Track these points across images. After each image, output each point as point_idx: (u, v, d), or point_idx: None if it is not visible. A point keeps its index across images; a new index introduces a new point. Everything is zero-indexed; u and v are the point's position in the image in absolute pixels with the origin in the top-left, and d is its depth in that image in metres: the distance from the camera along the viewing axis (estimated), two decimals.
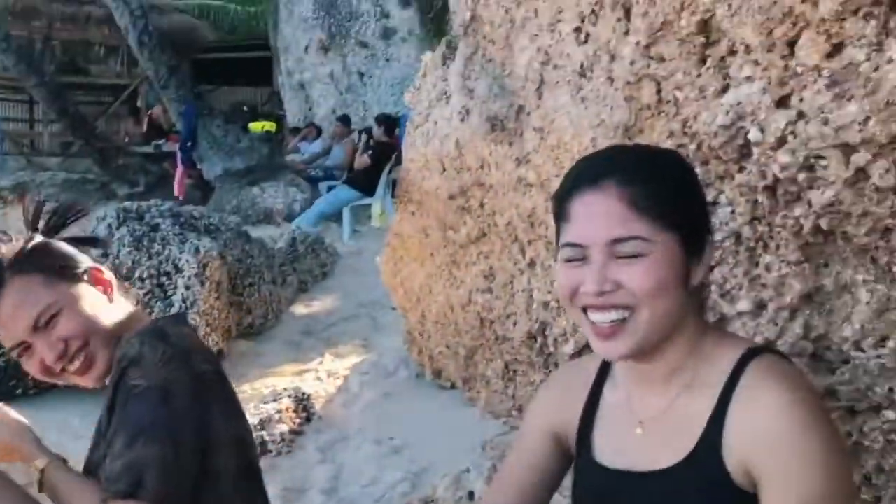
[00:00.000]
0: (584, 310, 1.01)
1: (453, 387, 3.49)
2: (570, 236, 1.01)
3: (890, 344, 1.51)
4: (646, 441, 1.06)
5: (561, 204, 1.05)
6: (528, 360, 2.56)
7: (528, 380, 2.68)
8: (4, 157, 12.86)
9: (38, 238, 1.43)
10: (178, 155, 10.06)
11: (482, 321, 2.79)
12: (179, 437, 1.23)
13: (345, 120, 10.62)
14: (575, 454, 1.17)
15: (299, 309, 5.48)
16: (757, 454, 0.94)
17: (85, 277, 1.42)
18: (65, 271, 1.40)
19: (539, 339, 2.42)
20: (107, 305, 1.42)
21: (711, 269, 1.12)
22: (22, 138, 15.21)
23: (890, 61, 1.30)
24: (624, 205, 0.97)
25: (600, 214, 0.98)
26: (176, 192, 9.66)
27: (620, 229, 0.96)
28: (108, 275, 1.46)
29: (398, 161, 8.46)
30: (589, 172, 1.02)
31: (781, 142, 1.49)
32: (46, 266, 1.38)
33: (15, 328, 1.35)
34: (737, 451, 0.96)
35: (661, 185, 1.00)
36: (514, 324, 2.55)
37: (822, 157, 1.44)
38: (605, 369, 1.17)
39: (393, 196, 8.75)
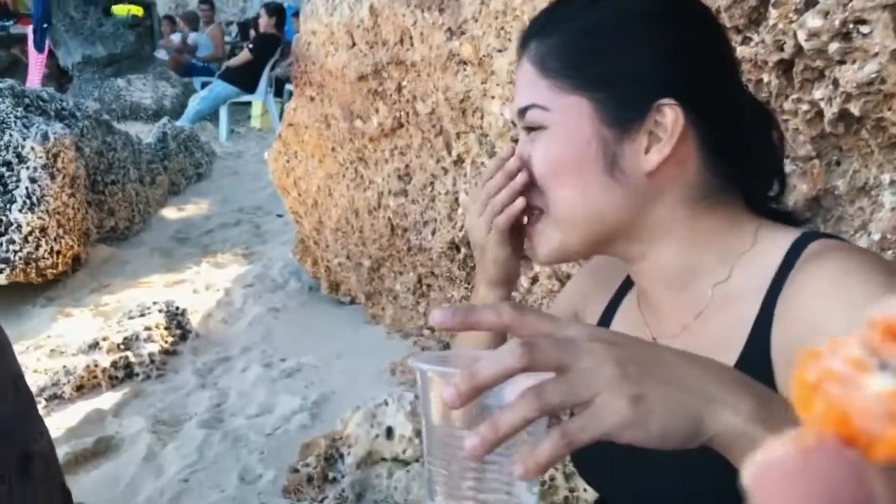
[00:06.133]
0: None
1: (353, 302, 3.13)
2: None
3: None
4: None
5: None
6: (448, 274, 2.22)
7: (443, 296, 2.34)
8: None
9: None
10: (31, 38, 8.86)
11: (393, 228, 2.41)
12: None
13: (209, 2, 9.68)
14: None
15: (170, 213, 4.93)
16: (804, 327, 0.65)
17: None
18: None
19: (463, 251, 2.08)
20: None
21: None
22: None
23: None
24: (535, 67, 0.77)
25: (518, 82, 0.80)
26: (31, 82, 8.52)
27: (523, 97, 0.78)
28: None
29: (283, 56, 7.79)
30: (523, 33, 0.80)
31: (811, 2, 1.18)
32: None
33: None
34: (784, 345, 0.68)
35: (580, 34, 0.75)
36: (433, 232, 2.19)
37: (865, 22, 1.14)
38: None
39: (276, 95, 8.13)
